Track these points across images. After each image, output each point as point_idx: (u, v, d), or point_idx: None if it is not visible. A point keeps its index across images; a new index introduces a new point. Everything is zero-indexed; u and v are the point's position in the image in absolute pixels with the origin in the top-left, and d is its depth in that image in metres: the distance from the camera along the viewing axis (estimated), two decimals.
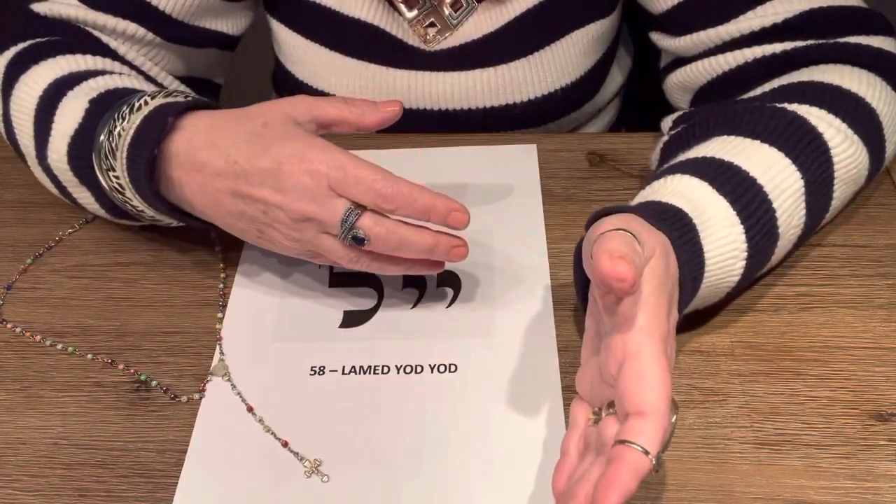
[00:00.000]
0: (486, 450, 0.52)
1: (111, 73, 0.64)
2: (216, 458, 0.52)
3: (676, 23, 0.68)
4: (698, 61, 0.68)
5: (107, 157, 0.56)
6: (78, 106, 0.59)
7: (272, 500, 0.50)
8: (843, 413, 0.52)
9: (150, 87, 0.63)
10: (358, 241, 0.53)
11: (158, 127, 0.55)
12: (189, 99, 0.58)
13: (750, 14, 0.64)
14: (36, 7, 0.68)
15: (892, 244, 0.62)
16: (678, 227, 0.51)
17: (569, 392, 0.54)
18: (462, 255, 0.56)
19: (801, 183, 0.55)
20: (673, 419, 0.43)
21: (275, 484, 0.51)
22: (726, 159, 0.56)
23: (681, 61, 0.70)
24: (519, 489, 0.50)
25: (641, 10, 0.72)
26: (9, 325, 0.62)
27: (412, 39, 0.73)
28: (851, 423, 0.52)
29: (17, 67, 0.64)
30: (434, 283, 0.62)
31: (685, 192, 0.54)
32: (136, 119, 0.56)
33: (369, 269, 0.56)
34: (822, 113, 0.58)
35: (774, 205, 0.54)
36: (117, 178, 0.57)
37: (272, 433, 0.54)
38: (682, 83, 0.71)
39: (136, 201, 0.58)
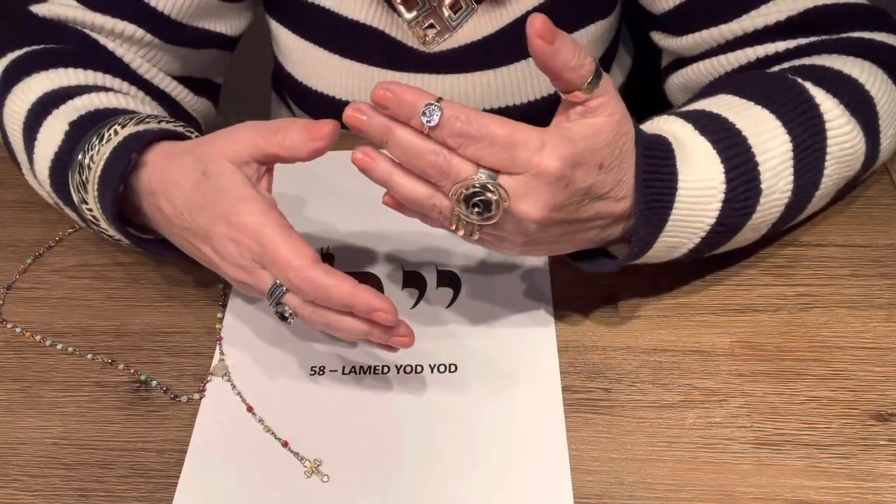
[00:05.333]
0: (486, 450, 0.52)
1: (100, 89, 0.64)
2: (216, 458, 0.52)
3: (678, 22, 0.68)
4: (700, 62, 0.68)
5: (78, 191, 0.56)
6: (58, 128, 0.59)
7: (272, 500, 0.50)
8: (843, 413, 0.52)
9: (134, 104, 0.63)
10: (282, 318, 0.50)
11: (122, 164, 0.53)
12: (157, 128, 0.57)
13: (753, 13, 0.63)
14: (35, 9, 0.68)
15: (892, 244, 0.62)
16: (656, 148, 0.51)
17: (569, 392, 0.54)
18: (407, 345, 0.51)
19: (788, 146, 0.55)
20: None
21: (275, 484, 0.51)
22: (715, 111, 0.56)
23: (682, 62, 0.70)
24: (518, 489, 0.50)
25: (642, 10, 0.72)
26: (9, 325, 0.62)
27: (411, 41, 0.73)
28: (851, 423, 0.52)
29: (12, 77, 0.64)
30: (434, 284, 0.62)
31: (668, 130, 0.54)
32: (106, 151, 0.54)
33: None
34: (822, 90, 0.58)
35: (758, 159, 0.54)
36: (90, 210, 0.56)
37: (272, 433, 0.53)
38: (683, 84, 0.71)
39: (111, 231, 0.57)
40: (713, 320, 0.58)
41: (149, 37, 0.69)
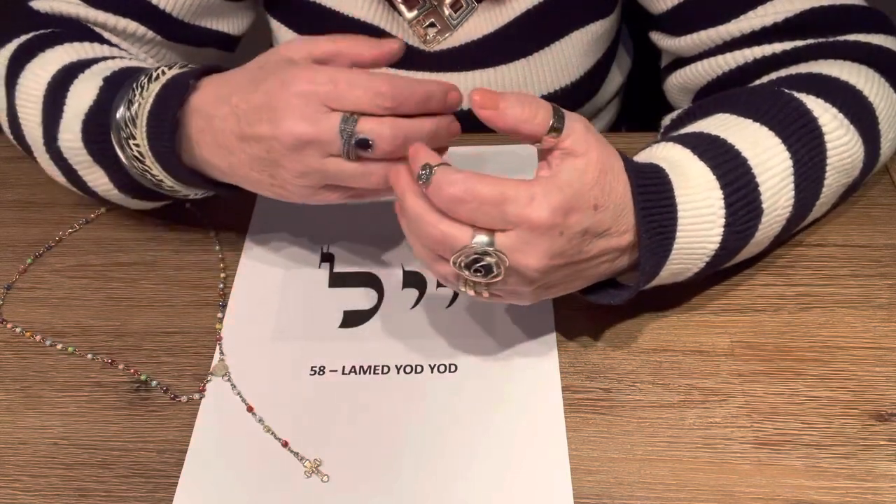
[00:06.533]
0: (486, 450, 0.52)
1: (121, 57, 0.65)
2: (216, 458, 0.52)
3: (676, 23, 0.68)
4: (698, 62, 0.68)
5: (126, 126, 0.56)
6: (92, 85, 0.59)
7: (272, 500, 0.50)
8: (843, 413, 0.52)
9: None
10: (363, 145, 0.50)
11: (180, 89, 0.55)
12: (205, 64, 0.58)
13: (750, 14, 0.63)
14: (35, 4, 0.68)
15: (892, 244, 0.62)
16: (651, 178, 0.52)
17: (569, 392, 0.54)
18: (458, 130, 0.55)
19: (789, 163, 0.55)
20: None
21: (275, 484, 0.51)
22: (714, 133, 0.56)
23: (681, 62, 0.70)
24: (518, 489, 0.50)
25: (641, 10, 0.72)
26: (9, 325, 0.62)
27: (412, 40, 0.73)
28: (851, 423, 0.52)
29: (22, 58, 0.64)
30: (434, 283, 0.62)
31: (666, 157, 0.55)
32: (156, 87, 0.56)
33: (378, 184, 0.53)
34: (819, 101, 0.58)
35: (758, 179, 0.54)
36: (137, 146, 0.56)
37: (272, 433, 0.54)
38: (682, 84, 0.71)
39: (155, 170, 0.57)
40: (713, 320, 0.58)
41: (150, 34, 0.69)
